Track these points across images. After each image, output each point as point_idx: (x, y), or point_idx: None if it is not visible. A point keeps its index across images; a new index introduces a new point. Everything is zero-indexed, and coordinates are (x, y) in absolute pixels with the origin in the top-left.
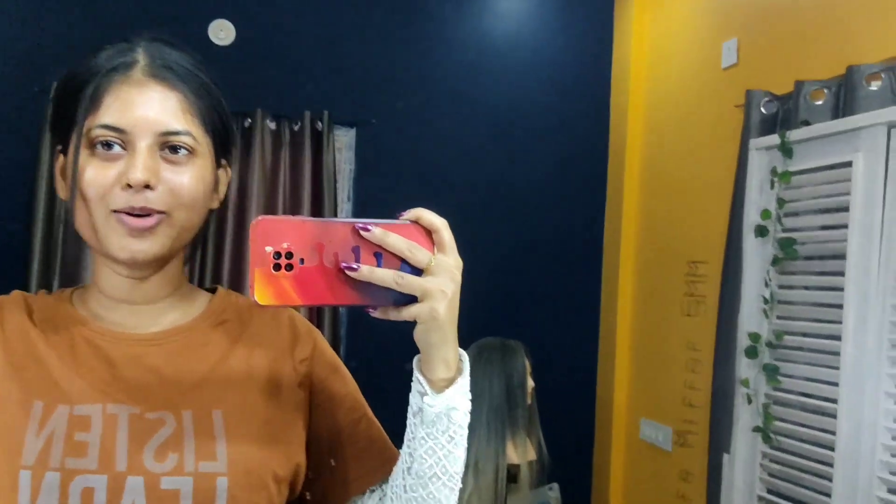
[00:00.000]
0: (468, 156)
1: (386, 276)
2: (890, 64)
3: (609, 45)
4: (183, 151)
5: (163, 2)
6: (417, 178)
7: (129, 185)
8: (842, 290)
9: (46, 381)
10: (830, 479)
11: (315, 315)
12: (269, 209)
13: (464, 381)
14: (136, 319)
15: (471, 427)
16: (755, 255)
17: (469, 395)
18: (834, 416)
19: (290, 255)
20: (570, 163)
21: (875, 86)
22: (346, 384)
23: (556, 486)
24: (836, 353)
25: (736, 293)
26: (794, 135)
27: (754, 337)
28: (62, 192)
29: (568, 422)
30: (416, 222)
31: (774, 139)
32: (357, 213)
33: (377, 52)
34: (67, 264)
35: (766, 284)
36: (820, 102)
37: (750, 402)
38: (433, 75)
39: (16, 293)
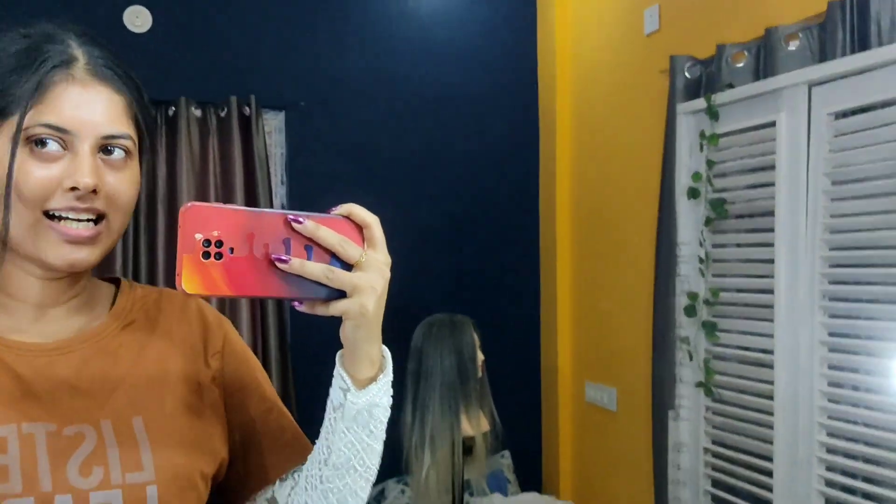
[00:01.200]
0: (400, 133)
1: (316, 269)
2: (807, 24)
3: (533, 16)
4: (119, 154)
5: None
6: (351, 159)
7: (74, 189)
8: (772, 245)
9: None
10: (772, 427)
11: (260, 319)
12: (201, 198)
13: (386, 379)
14: (41, 325)
15: (424, 403)
16: (688, 216)
17: (391, 392)
18: (771, 367)
19: (219, 244)
20: (502, 134)
21: (794, 46)
22: (256, 374)
23: (507, 453)
24: (770, 307)
25: (671, 253)
26: (719, 98)
27: (692, 296)
28: None
29: (515, 390)
30: (347, 217)
31: (700, 103)
32: (291, 195)
33: (302, 33)
34: None
35: (701, 244)
36: (741, 65)
37: (691, 358)
38: (360, 54)
39: None
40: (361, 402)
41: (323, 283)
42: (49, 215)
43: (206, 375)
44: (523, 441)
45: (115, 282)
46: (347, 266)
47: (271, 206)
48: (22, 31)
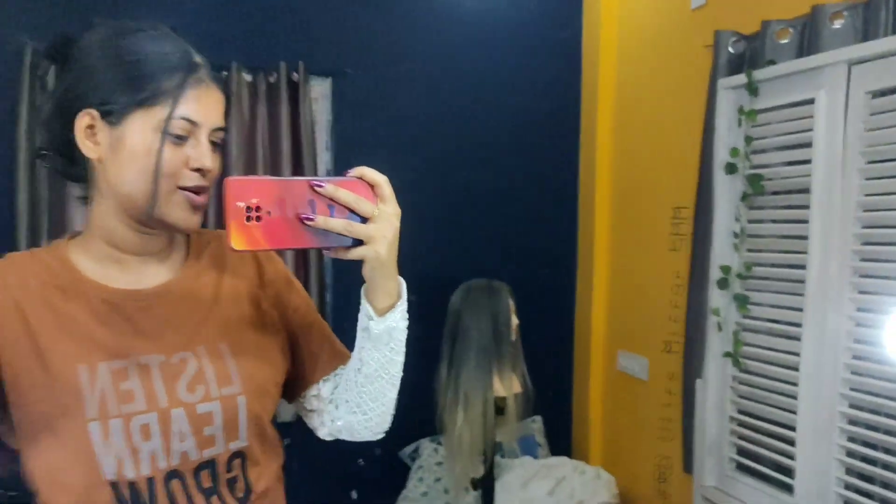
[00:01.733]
0: (442, 102)
1: (337, 224)
2: (853, 3)
3: None
4: (218, 144)
5: None
6: (394, 126)
7: (199, 170)
8: (807, 222)
9: (83, 345)
10: (796, 397)
11: (302, 264)
12: (249, 161)
13: (402, 308)
14: (142, 273)
15: (459, 362)
16: (725, 192)
17: (406, 316)
18: (799, 339)
19: (258, 209)
20: (544, 104)
21: (838, 24)
22: (300, 295)
23: (538, 418)
24: (802, 282)
25: (708, 228)
26: (760, 74)
27: (725, 269)
28: (91, 150)
29: (549, 357)
30: (361, 178)
31: (741, 79)
32: (336, 160)
33: (350, 2)
34: (54, 216)
35: (737, 219)
36: (786, 41)
37: (720, 329)
38: (406, 24)
39: (14, 259)
40: (381, 326)
41: (344, 234)
42: (179, 188)
43: (266, 301)
44: (555, 407)
45: None
46: (363, 219)
47: (315, 170)
48: (153, 32)
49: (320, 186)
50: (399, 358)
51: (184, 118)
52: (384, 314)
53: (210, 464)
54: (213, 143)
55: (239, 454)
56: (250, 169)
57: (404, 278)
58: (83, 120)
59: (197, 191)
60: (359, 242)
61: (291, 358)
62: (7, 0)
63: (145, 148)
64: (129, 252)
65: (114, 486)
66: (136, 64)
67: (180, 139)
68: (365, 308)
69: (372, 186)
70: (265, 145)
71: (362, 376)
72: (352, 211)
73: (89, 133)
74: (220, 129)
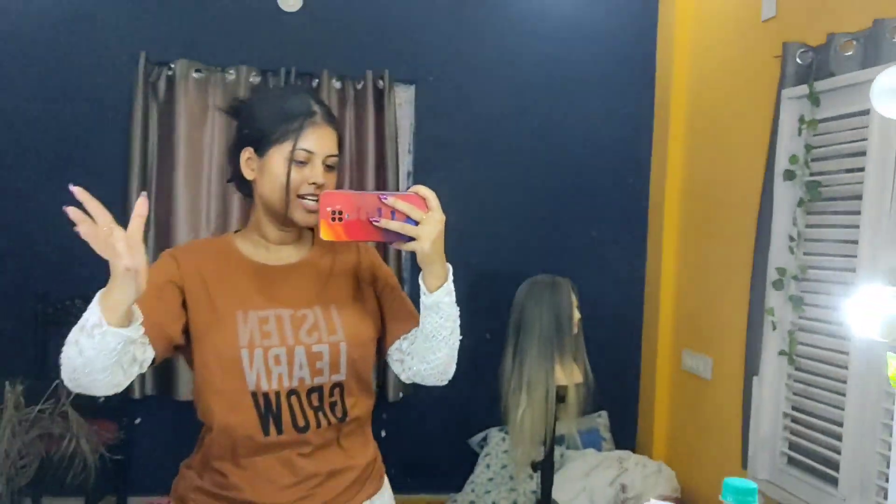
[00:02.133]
0: (519, 108)
1: (396, 225)
2: None
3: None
4: (332, 166)
5: None
6: (472, 130)
7: (314, 184)
8: (857, 227)
9: (240, 298)
10: (844, 395)
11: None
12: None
13: (447, 287)
14: (280, 254)
15: (523, 352)
16: (784, 197)
17: (452, 292)
18: (848, 339)
19: (341, 213)
20: (617, 110)
21: None
22: (386, 274)
23: (604, 413)
24: (853, 284)
25: (767, 231)
26: (822, 85)
27: (781, 271)
28: (249, 174)
29: (617, 355)
30: (416, 193)
31: (803, 89)
32: (417, 163)
33: (433, 13)
34: (160, 210)
35: (794, 223)
36: (849, 54)
37: (774, 328)
38: (485, 33)
39: (196, 243)
40: (431, 300)
41: (401, 232)
42: (299, 196)
43: (365, 278)
44: (621, 403)
45: (312, 230)
46: (415, 223)
47: (398, 171)
48: (287, 91)
49: (385, 198)
50: (447, 323)
51: (303, 149)
52: (434, 291)
53: (318, 389)
54: (328, 166)
55: (339, 385)
56: (338, 169)
57: (479, 273)
58: (244, 154)
59: (313, 199)
60: (412, 239)
61: (381, 319)
62: (123, 13)
63: (279, 171)
64: (272, 241)
65: (253, 394)
66: (272, 116)
67: (302, 164)
68: (420, 286)
69: (423, 199)
70: (352, 148)
71: (422, 336)
72: (408, 216)
73: (248, 163)
74: (332, 155)
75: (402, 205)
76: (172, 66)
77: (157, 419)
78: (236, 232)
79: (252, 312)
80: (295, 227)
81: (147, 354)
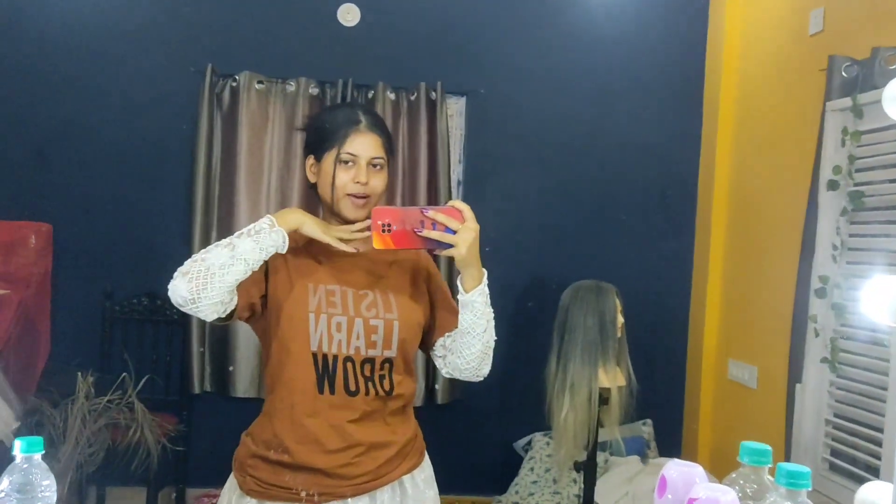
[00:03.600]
0: (567, 120)
1: (437, 234)
2: None
3: (705, 13)
4: (378, 166)
5: None
6: (521, 141)
7: (360, 182)
8: None
9: (313, 275)
10: (885, 402)
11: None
12: (390, 170)
13: (481, 288)
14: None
15: (567, 355)
16: (828, 206)
17: (486, 293)
18: (888, 347)
19: (389, 225)
20: (667, 122)
21: None
22: (437, 279)
23: (649, 421)
24: None
25: (812, 240)
26: (866, 97)
27: (824, 279)
28: (312, 177)
29: (663, 364)
30: (454, 206)
31: (847, 102)
32: (467, 172)
33: (485, 27)
34: (222, 212)
35: (837, 233)
36: (893, 67)
37: (817, 335)
38: (535, 47)
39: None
40: (466, 298)
41: (440, 241)
42: (347, 194)
43: (421, 274)
44: (666, 412)
45: None
46: (453, 232)
47: (449, 181)
48: (335, 106)
49: (426, 212)
50: (480, 321)
51: (348, 153)
52: (469, 291)
53: (370, 361)
54: (373, 166)
55: (389, 361)
56: (391, 176)
57: (526, 281)
58: (308, 161)
59: (358, 196)
60: (450, 246)
61: (430, 316)
62: (193, 27)
63: (329, 173)
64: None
65: (314, 355)
66: (324, 127)
67: (348, 165)
68: (458, 287)
69: (460, 211)
70: (405, 157)
71: (459, 332)
72: (447, 227)
73: (311, 168)
74: (376, 157)
75: (441, 217)
76: (237, 77)
77: (214, 415)
78: None
79: (321, 286)
80: (348, 221)
81: (234, 301)
